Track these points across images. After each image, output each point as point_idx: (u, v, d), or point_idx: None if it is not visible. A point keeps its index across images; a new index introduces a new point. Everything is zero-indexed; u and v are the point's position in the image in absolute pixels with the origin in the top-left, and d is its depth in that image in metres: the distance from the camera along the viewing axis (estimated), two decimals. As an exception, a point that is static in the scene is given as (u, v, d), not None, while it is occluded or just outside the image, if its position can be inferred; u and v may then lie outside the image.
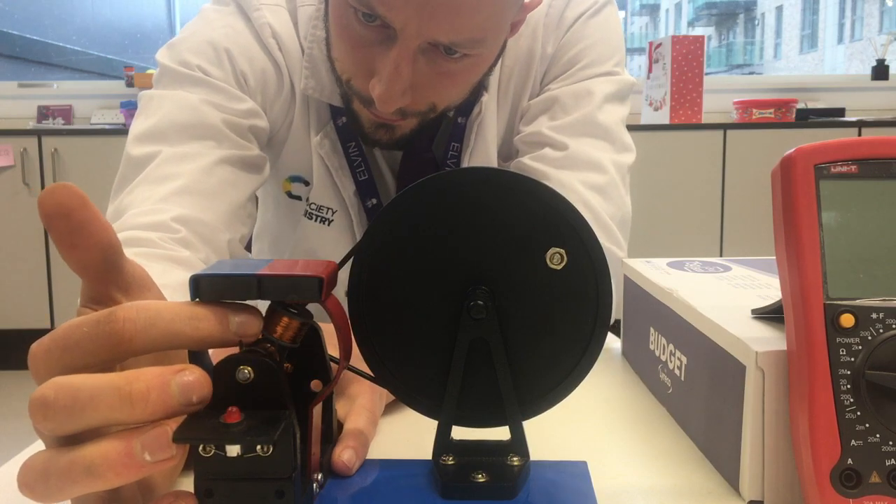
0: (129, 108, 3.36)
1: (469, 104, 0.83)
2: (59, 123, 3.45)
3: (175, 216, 0.68)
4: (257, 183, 0.80)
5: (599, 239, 0.78)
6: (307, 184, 0.88)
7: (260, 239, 1.03)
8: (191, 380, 0.32)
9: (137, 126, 0.77)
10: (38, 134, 3.05)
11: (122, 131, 3.00)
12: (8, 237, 3.07)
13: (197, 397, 0.32)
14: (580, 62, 0.84)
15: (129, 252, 0.63)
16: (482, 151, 0.85)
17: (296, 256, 0.91)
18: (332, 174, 0.85)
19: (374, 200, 0.86)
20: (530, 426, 0.43)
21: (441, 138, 0.85)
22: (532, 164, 0.81)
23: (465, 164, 0.85)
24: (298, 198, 0.89)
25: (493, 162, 0.86)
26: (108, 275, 0.35)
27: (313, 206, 0.87)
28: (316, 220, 0.88)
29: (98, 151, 2.95)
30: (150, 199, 0.70)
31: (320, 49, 0.80)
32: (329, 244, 0.88)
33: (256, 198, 1.01)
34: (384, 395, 0.53)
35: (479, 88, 0.82)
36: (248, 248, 1.11)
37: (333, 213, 0.87)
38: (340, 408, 0.48)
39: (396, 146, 0.81)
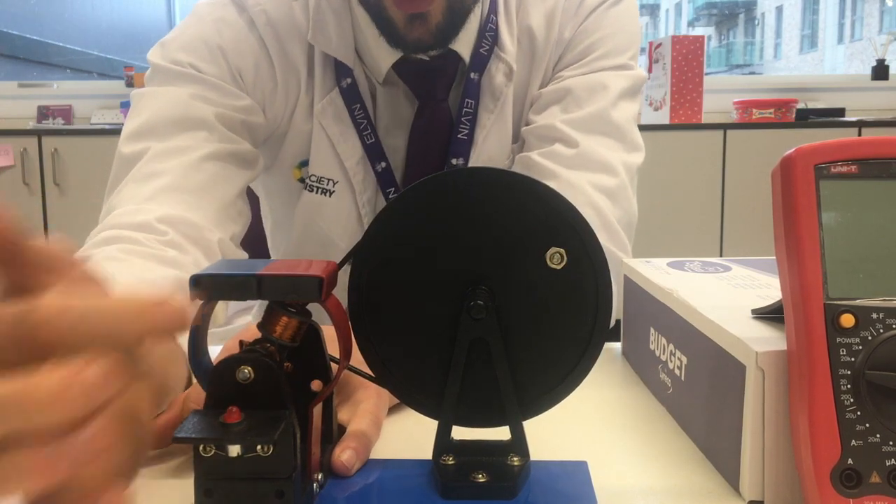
0: (129, 108, 3.35)
1: (483, 59, 0.82)
2: (59, 123, 3.44)
3: (160, 216, 0.67)
4: (248, 178, 0.79)
5: (605, 242, 0.78)
6: None
7: (274, 236, 1.00)
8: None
9: (128, 125, 0.76)
10: (38, 134, 3.05)
11: (121, 131, 2.98)
12: (8, 237, 3.06)
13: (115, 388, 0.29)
14: (596, 51, 0.84)
15: (112, 248, 0.62)
16: (502, 122, 0.84)
17: (296, 229, 0.89)
18: (333, 144, 0.83)
19: (384, 164, 0.84)
20: (530, 426, 0.43)
21: (455, 92, 0.84)
22: (541, 160, 0.80)
23: (484, 127, 0.83)
24: None
25: (509, 133, 0.85)
26: (5, 265, 0.32)
27: (313, 178, 0.85)
28: (317, 192, 0.86)
29: (98, 151, 2.95)
30: (135, 199, 0.69)
31: (328, 0, 0.79)
32: (330, 216, 0.86)
33: (255, 196, 1.00)
34: (387, 403, 0.52)
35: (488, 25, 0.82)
36: (256, 248, 1.09)
37: (335, 183, 0.85)
38: (344, 412, 0.48)
39: (435, 43, 0.78)
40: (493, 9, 0.83)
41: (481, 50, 0.82)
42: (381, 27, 0.77)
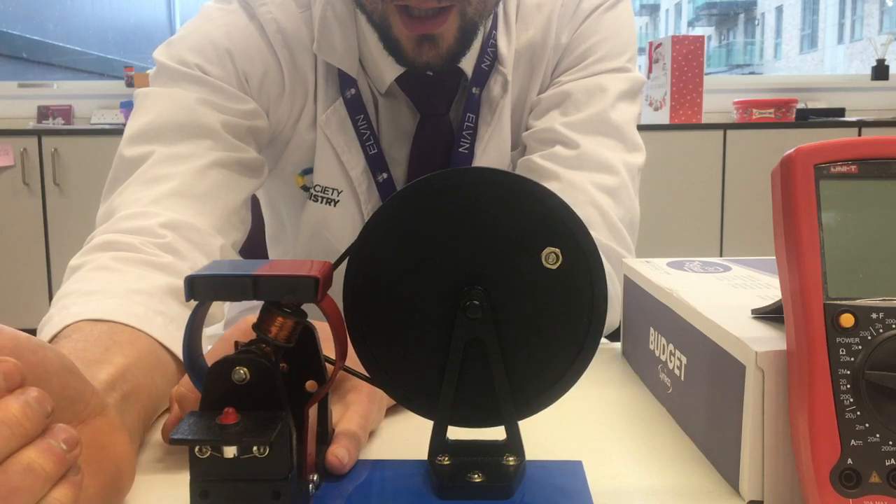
0: (129, 108, 3.33)
1: (484, 74, 0.82)
2: (59, 123, 3.45)
3: (163, 221, 0.66)
4: (254, 186, 0.78)
5: (608, 240, 0.78)
6: None
7: (274, 243, 1.00)
8: (35, 394, 0.33)
9: (131, 125, 0.75)
10: (38, 134, 3.05)
11: (121, 131, 2.95)
12: (8, 237, 3.06)
13: (51, 407, 0.34)
14: (593, 55, 0.84)
15: (105, 257, 0.62)
16: (499, 133, 0.84)
17: (302, 239, 0.89)
18: (338, 154, 0.83)
19: (385, 175, 0.84)
20: (528, 426, 0.43)
21: (457, 106, 0.84)
22: (542, 162, 0.80)
23: (482, 140, 0.84)
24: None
25: (507, 143, 0.85)
26: None
27: (318, 188, 0.85)
28: (322, 202, 0.86)
29: (98, 151, 2.95)
30: (140, 201, 0.68)
31: (334, 10, 0.79)
32: (335, 225, 0.86)
33: (255, 202, 1.00)
34: (382, 405, 0.52)
35: (490, 42, 0.82)
36: (254, 255, 1.08)
37: (339, 193, 0.85)
38: (335, 413, 0.48)
39: (444, 64, 0.76)
40: (495, 24, 0.83)
41: (483, 65, 0.82)
42: (388, 47, 0.76)
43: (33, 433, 0.33)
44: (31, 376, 0.35)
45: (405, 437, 0.50)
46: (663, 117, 3.10)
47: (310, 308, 0.39)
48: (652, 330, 0.58)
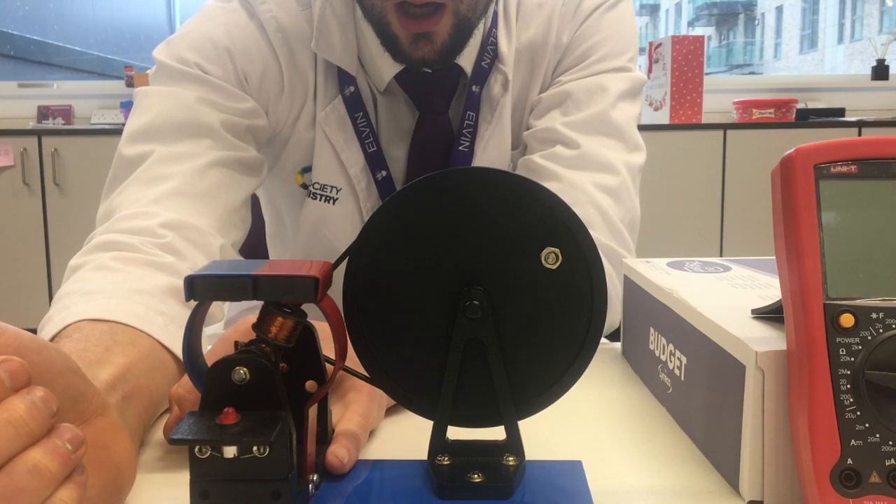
0: (129, 108, 3.32)
1: (484, 72, 0.82)
2: (59, 123, 3.44)
3: (164, 221, 0.66)
4: (254, 185, 0.78)
5: (608, 240, 0.78)
6: None
7: (274, 242, 1.00)
8: (41, 394, 0.33)
9: (131, 124, 0.75)
10: (38, 134, 3.05)
11: (121, 131, 2.96)
12: (8, 237, 3.06)
13: (56, 407, 0.34)
14: (594, 55, 0.84)
15: (105, 257, 0.62)
16: (499, 132, 0.84)
17: (301, 238, 0.89)
18: (336, 151, 0.83)
19: (384, 173, 0.84)
20: (528, 426, 0.43)
21: (457, 104, 0.84)
22: (543, 162, 0.80)
23: (483, 138, 0.84)
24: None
25: (507, 142, 0.85)
26: None
27: (317, 186, 0.85)
28: (320, 200, 0.86)
29: (98, 151, 2.95)
30: (140, 201, 0.68)
31: (333, 8, 0.79)
32: (334, 223, 0.86)
33: (255, 201, 1.00)
34: (382, 405, 0.52)
35: (490, 39, 0.82)
36: (255, 255, 1.08)
37: (338, 191, 0.85)
38: (335, 413, 0.48)
39: (440, 60, 0.77)
40: (495, 22, 0.83)
41: (483, 63, 0.82)
42: (385, 44, 0.77)
43: (39, 433, 0.32)
44: (36, 375, 0.35)
45: (405, 437, 0.50)
46: (663, 117, 3.10)
47: (310, 308, 0.39)
48: (652, 330, 0.58)
